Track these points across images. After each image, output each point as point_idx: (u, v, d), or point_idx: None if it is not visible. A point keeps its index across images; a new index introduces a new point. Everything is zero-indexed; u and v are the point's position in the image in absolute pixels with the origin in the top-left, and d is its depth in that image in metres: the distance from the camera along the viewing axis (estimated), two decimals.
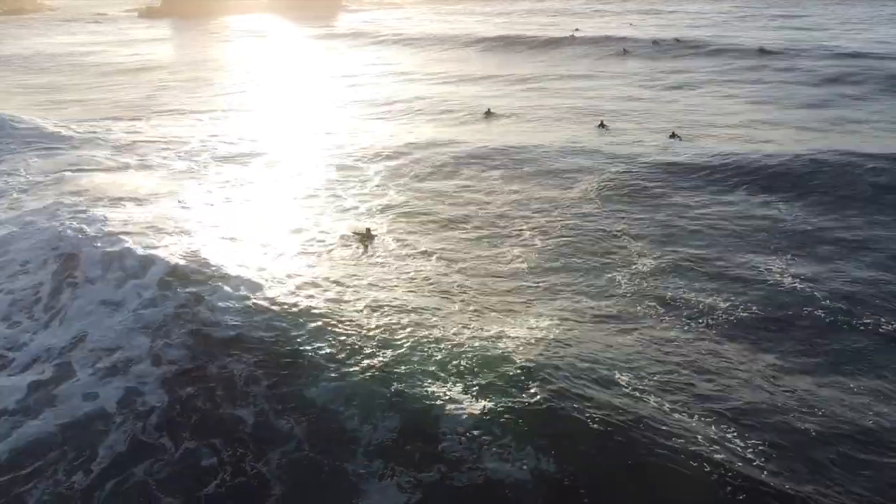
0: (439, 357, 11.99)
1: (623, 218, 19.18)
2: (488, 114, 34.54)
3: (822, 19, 78.50)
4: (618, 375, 11.57)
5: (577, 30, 79.18)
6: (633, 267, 15.97)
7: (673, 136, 28.06)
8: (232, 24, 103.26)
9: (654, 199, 20.76)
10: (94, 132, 31.91)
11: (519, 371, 11.50)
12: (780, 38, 60.34)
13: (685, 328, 13.30)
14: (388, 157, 26.15)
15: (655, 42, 58.64)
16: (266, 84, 48.57)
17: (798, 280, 15.07)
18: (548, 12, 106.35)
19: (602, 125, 30.90)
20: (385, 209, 20.52)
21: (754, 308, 13.95)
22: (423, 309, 13.83)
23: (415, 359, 11.96)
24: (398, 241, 17.95)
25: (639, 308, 14.07)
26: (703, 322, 13.51)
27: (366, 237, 18.00)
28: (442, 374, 11.55)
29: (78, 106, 40.97)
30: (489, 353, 12.04)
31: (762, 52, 51.20)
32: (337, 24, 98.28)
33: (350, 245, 17.75)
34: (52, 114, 36.63)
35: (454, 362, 11.83)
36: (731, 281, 15.16)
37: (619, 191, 21.51)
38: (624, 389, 11.18)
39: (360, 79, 49.20)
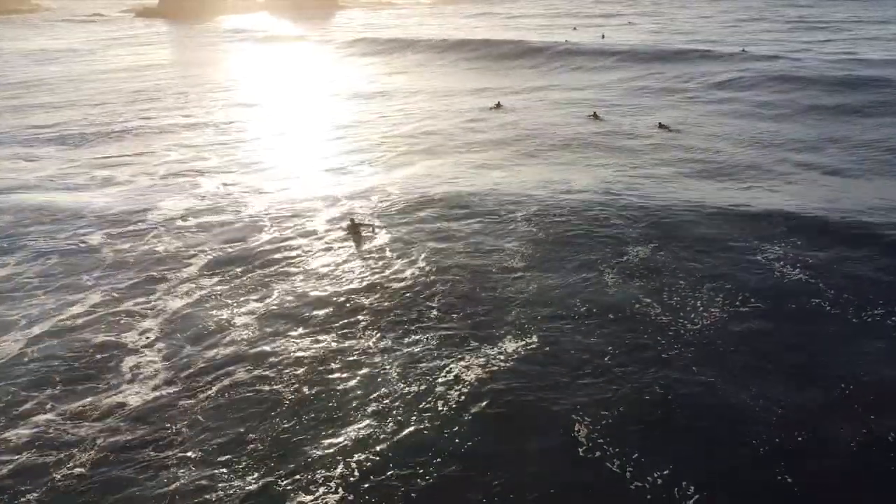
0: None
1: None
2: (498, 105, 35.50)
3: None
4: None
5: (575, 28, 77.86)
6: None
7: (661, 126, 29.18)
8: (225, 27, 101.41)
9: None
10: None
11: None
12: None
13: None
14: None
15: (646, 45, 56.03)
16: (247, 104, 40.29)
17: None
18: (539, 14, 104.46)
19: (595, 116, 32.03)
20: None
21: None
22: None
23: None
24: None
25: None
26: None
27: (356, 230, 17.69)
28: None
29: None
30: None
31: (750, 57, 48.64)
32: (330, 26, 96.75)
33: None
34: None
35: None
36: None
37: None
38: None
39: (347, 91, 44.25)
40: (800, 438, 10.06)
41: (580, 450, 9.92)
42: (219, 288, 15.20)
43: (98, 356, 12.57)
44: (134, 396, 11.38)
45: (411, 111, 36.06)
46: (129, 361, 12.38)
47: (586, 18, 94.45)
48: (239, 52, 70.16)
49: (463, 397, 11.08)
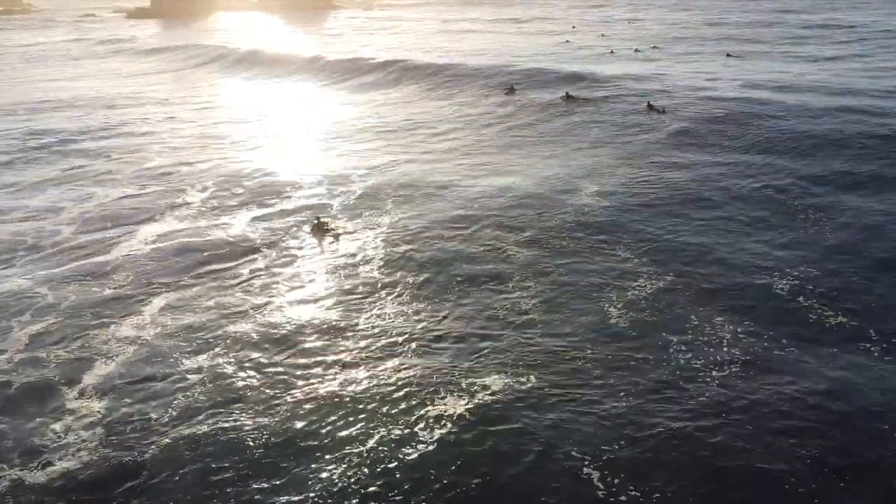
0: None
1: None
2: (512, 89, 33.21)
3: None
4: None
5: (574, 27, 75.88)
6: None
7: (650, 107, 29.08)
8: (215, 29, 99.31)
9: None
10: None
11: None
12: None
13: None
14: None
15: (637, 50, 53.54)
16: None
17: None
18: (534, 17, 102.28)
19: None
20: None
21: None
22: None
23: None
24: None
25: None
26: None
27: (322, 229, 17.36)
28: None
29: None
30: None
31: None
32: (324, 33, 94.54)
33: None
34: None
35: None
36: None
37: None
38: None
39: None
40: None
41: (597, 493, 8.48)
42: (178, 323, 13.15)
43: (22, 412, 10.50)
44: (65, 462, 9.32)
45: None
46: (62, 421, 10.26)
47: (587, 18, 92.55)
48: (200, 84, 50.14)
49: (450, 437, 9.42)
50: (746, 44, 55.67)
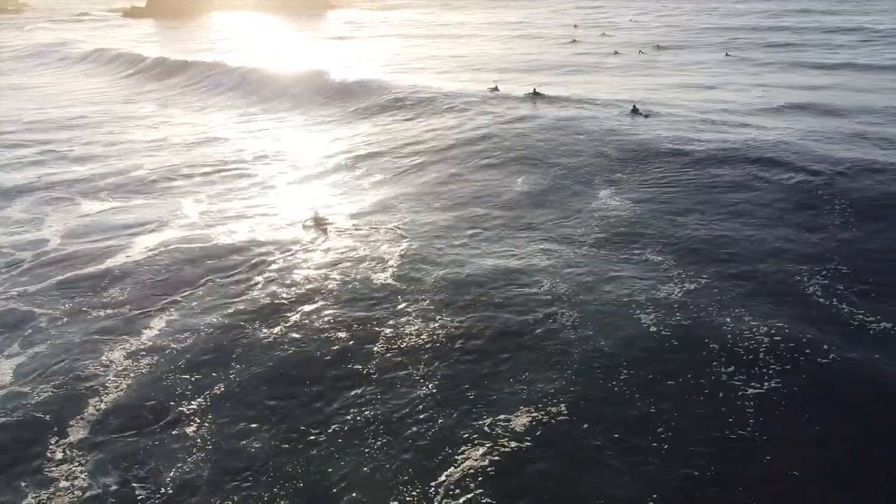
0: None
1: None
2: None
3: None
4: None
5: (576, 25, 74.98)
6: None
7: (634, 110, 28.89)
8: (209, 31, 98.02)
9: None
10: None
11: None
12: None
13: None
14: None
15: (641, 52, 53.28)
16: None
17: None
18: (527, 21, 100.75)
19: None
20: None
21: None
22: None
23: None
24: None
25: None
26: None
27: (320, 223, 17.80)
28: None
29: None
30: None
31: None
32: (320, 36, 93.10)
33: None
34: None
35: None
36: None
37: None
38: None
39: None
40: None
41: None
42: (179, 347, 12.28)
43: None
44: None
45: None
46: (37, 493, 9.13)
47: (590, 19, 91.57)
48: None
49: (465, 485, 8.64)
50: (749, 48, 54.85)
